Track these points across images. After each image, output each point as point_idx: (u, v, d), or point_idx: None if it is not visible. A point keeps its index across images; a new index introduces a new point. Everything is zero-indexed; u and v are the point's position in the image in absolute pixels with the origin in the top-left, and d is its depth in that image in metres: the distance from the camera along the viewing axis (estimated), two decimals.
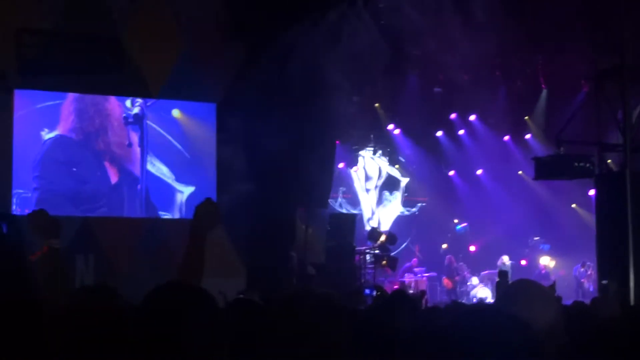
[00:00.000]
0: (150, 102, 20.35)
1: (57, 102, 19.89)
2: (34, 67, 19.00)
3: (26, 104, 19.54)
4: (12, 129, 19.19)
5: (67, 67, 19.29)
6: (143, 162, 20.37)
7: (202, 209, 4.81)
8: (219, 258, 20.19)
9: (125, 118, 20.23)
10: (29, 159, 19.46)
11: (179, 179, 20.66)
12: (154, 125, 20.46)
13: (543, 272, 25.77)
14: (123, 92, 20.17)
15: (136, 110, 20.26)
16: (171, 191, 20.64)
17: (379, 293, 18.03)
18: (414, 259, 25.99)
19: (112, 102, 20.34)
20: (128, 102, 20.28)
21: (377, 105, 24.62)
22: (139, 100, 20.31)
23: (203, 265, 4.76)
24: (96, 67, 19.51)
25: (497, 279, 20.42)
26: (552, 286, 13.11)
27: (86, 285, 3.76)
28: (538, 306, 3.57)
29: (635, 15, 16.84)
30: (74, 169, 19.89)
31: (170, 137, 20.55)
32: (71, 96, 19.93)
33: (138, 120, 20.28)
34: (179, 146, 20.61)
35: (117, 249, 19.83)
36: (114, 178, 20.15)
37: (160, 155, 20.52)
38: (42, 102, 19.76)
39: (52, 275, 4.96)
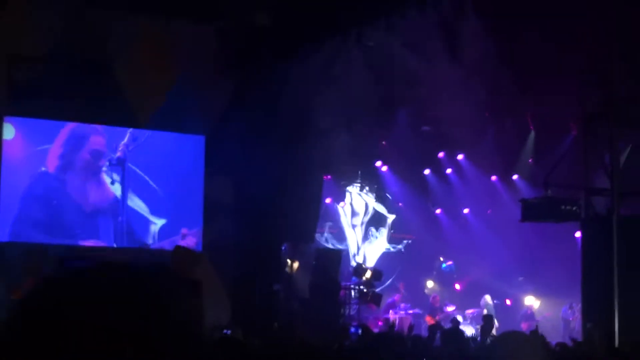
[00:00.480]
0: (132, 145, 20.53)
1: (46, 147, 19.99)
2: (26, 94, 18.99)
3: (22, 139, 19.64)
4: (0, 155, 19.20)
5: (59, 94, 19.28)
6: (124, 198, 20.51)
7: (177, 257, 4.83)
8: (206, 289, 20.16)
9: (109, 161, 20.35)
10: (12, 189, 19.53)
11: (154, 213, 20.85)
12: (134, 168, 20.62)
13: (529, 312, 25.76)
14: (113, 120, 20.20)
15: (119, 154, 20.42)
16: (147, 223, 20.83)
17: (364, 331, 18.03)
18: (397, 295, 25.98)
19: (99, 141, 20.47)
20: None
21: (364, 142, 24.66)
22: (122, 144, 20.47)
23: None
24: (87, 95, 19.52)
25: (481, 323, 20.37)
26: (536, 330, 13.14)
27: None
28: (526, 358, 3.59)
29: (624, 54, 16.96)
30: (54, 202, 19.97)
31: (148, 178, 20.73)
32: (62, 135, 20.07)
33: (120, 163, 20.45)
34: (154, 186, 20.76)
35: None
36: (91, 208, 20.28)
37: (139, 192, 20.72)
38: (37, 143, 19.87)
39: None
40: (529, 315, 25.37)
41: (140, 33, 20.18)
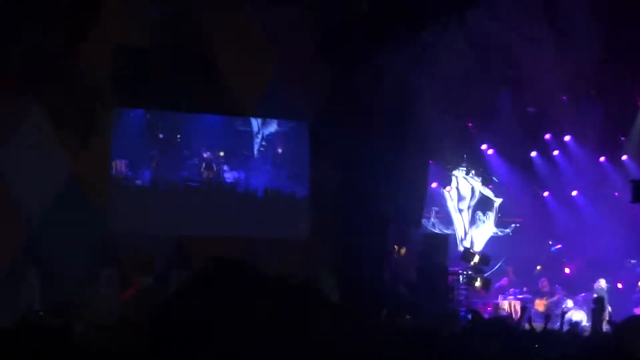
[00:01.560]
0: None
1: None
2: (131, 85, 19.22)
3: None
4: (109, 147, 19.50)
5: (163, 85, 19.49)
6: None
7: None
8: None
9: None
10: None
11: None
12: None
13: None
14: (217, 110, 20.33)
15: None
16: None
17: (474, 316, 17.86)
18: (504, 279, 25.72)
19: None
20: None
21: (470, 124, 24.42)
22: None
23: None
24: (192, 86, 19.67)
25: (593, 306, 20.00)
26: None
27: None
28: None
29: None
30: None
31: None
32: None
33: None
34: None
35: None
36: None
37: None
38: None
39: None
40: None
41: (240, 21, 20.27)
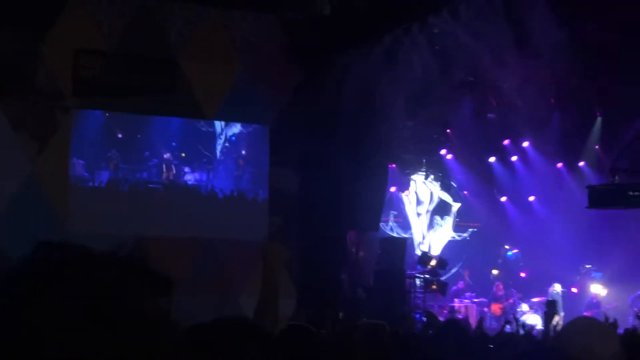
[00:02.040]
0: None
1: None
2: (91, 88, 19.26)
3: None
4: (69, 149, 19.45)
5: (123, 88, 19.53)
6: None
7: (270, 249, 5.02)
8: None
9: None
10: None
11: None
12: None
13: (594, 300, 25.53)
14: (178, 113, 20.36)
15: None
16: None
17: (429, 319, 18.01)
18: (461, 282, 25.93)
19: None
20: None
21: (429, 130, 24.58)
22: None
23: (277, 300, 4.98)
24: (152, 89, 19.73)
25: (545, 309, 20.20)
26: (614, 323, 12.89)
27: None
28: (599, 344, 3.56)
29: None
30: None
31: None
32: None
33: None
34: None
35: (170, 268, 19.95)
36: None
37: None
38: None
39: None
40: (594, 304, 25.13)
41: (203, 25, 20.34)
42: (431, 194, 26.21)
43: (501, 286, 25.62)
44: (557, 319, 23.80)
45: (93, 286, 1.70)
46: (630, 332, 11.15)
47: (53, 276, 1.70)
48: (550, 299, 22.49)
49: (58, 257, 1.75)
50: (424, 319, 19.10)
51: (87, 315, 1.65)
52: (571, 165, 25.99)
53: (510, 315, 23.79)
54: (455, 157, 25.78)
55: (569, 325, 4.05)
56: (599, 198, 18.56)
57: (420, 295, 23.35)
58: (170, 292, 1.91)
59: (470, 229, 26.95)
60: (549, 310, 19.13)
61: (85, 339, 1.65)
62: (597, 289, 26.38)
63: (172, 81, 19.95)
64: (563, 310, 24.59)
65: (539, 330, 20.09)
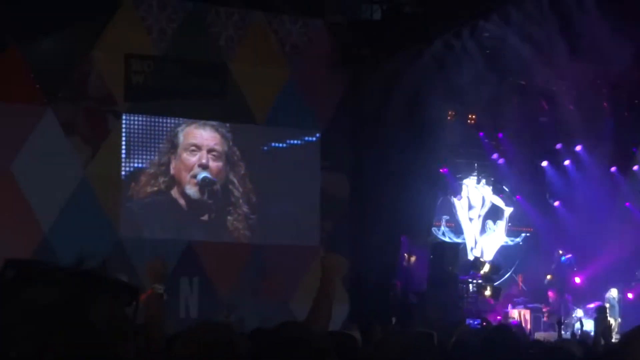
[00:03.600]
0: None
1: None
2: (141, 92, 19.42)
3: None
4: (121, 152, 19.60)
5: (174, 93, 19.68)
6: None
7: (330, 262, 5.00)
8: None
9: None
10: None
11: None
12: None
13: None
14: (228, 118, 20.43)
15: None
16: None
17: (483, 324, 17.92)
18: (514, 288, 25.76)
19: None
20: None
21: (481, 134, 24.43)
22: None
23: (330, 313, 5.00)
24: (202, 93, 19.85)
25: (595, 315, 19.95)
26: None
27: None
28: None
29: None
30: None
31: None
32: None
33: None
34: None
35: (221, 272, 20.04)
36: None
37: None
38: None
39: (152, 319, 5.08)
40: None
41: (252, 29, 20.41)
42: (483, 198, 26.04)
43: (551, 293, 25.36)
44: (613, 324, 23.56)
45: (53, 300, 1.71)
46: None
47: (10, 294, 1.72)
48: (600, 305, 22.25)
49: (22, 274, 1.76)
50: (478, 324, 18.99)
51: (46, 329, 1.66)
52: (625, 169, 25.71)
53: (566, 321, 23.59)
54: (507, 161, 25.58)
55: (630, 333, 3.92)
56: None
57: (473, 301, 23.22)
58: (135, 301, 1.91)
59: (523, 234, 26.74)
60: (599, 316, 18.90)
61: (48, 350, 1.66)
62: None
63: (222, 86, 20.05)
64: (620, 317, 24.33)
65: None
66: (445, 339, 11.19)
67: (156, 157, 19.98)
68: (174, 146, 20.08)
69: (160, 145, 20.00)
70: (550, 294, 25.30)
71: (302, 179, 20.89)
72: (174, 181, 20.09)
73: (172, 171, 20.05)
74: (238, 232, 20.49)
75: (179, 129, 20.14)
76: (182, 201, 20.10)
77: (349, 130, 20.63)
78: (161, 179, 20.05)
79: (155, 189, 19.89)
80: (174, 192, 20.07)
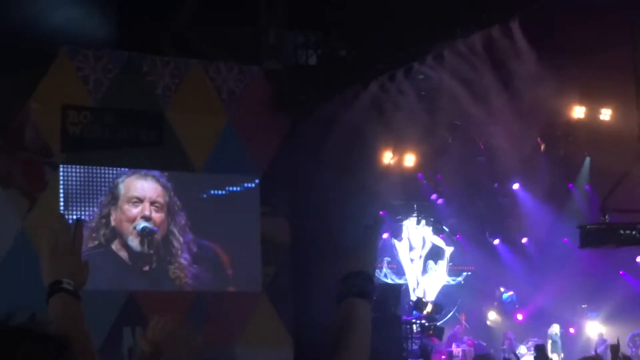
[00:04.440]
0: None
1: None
2: (78, 143, 19.35)
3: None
4: (59, 204, 19.45)
5: (111, 143, 19.64)
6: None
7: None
8: (266, 329, 20.27)
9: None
10: None
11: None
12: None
13: (600, 339, 25.43)
14: (166, 167, 20.39)
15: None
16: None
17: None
18: (457, 327, 25.89)
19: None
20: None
21: (420, 175, 24.61)
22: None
23: None
24: (140, 143, 19.83)
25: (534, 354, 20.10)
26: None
27: None
28: None
29: None
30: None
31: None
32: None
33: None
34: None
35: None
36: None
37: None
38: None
39: None
40: (593, 343, 25.04)
41: (189, 77, 20.46)
42: (423, 238, 26.21)
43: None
44: (557, 359, 23.72)
45: None
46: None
47: None
48: (539, 344, 22.45)
49: None
50: None
51: None
52: (562, 206, 26.01)
53: (508, 357, 23.75)
54: (446, 201, 25.80)
55: None
56: (590, 237, 18.57)
57: (417, 341, 23.28)
58: (66, 354, 1.92)
59: (465, 273, 26.94)
60: (537, 354, 19.04)
61: None
62: (597, 328, 26.32)
63: (159, 134, 20.05)
64: (562, 351, 24.54)
65: None
66: None
67: (97, 210, 19.85)
68: (114, 198, 19.95)
69: (101, 197, 19.87)
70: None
71: (243, 225, 20.86)
72: (115, 233, 19.95)
73: (112, 223, 19.91)
74: (180, 280, 20.40)
75: (119, 180, 20.04)
76: (123, 253, 19.96)
77: (288, 175, 20.66)
78: (102, 231, 19.90)
79: (97, 242, 19.73)
80: (115, 245, 19.93)
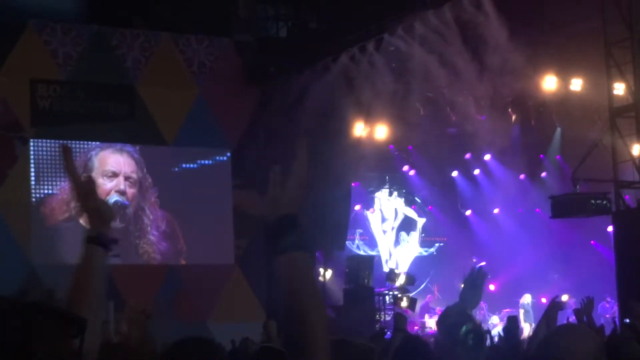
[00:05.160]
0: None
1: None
2: (48, 117, 19.23)
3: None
4: (30, 178, 19.36)
5: (81, 117, 19.52)
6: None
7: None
8: (239, 302, 20.27)
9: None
10: None
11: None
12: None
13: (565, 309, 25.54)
14: (137, 140, 20.31)
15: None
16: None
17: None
18: (430, 297, 25.94)
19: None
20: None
21: (391, 147, 24.58)
22: None
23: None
24: (110, 116, 19.73)
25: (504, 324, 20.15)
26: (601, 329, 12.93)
27: None
28: (581, 347, 3.57)
29: None
30: None
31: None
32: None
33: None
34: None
35: (136, 295, 19.86)
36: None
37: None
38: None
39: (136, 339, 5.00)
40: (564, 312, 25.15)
41: (159, 50, 20.35)
42: (396, 210, 26.22)
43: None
44: (528, 329, 23.84)
45: None
46: (613, 337, 11.16)
47: None
48: (512, 315, 22.53)
49: None
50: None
51: None
52: (534, 177, 26.08)
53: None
54: (418, 173, 25.81)
55: (555, 331, 4.10)
56: (562, 207, 18.67)
57: (390, 313, 23.31)
58: (81, 333, 1.88)
59: (437, 244, 26.98)
60: (508, 324, 19.02)
61: None
62: (566, 298, 26.43)
63: (130, 108, 19.96)
64: (534, 321, 24.62)
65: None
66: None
67: (67, 183, 19.73)
68: (87, 171, 19.84)
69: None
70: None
71: (214, 198, 20.84)
72: None
73: None
74: (148, 255, 20.38)
75: (93, 153, 19.94)
76: None
77: (259, 147, 20.61)
78: (72, 205, 19.80)
79: (67, 215, 19.64)
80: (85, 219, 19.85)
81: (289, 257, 2.62)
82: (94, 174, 19.85)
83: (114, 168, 20.03)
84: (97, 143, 20.03)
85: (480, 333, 2.96)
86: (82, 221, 19.74)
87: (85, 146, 19.97)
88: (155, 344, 5.24)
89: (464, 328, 2.98)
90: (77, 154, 19.92)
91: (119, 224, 19.98)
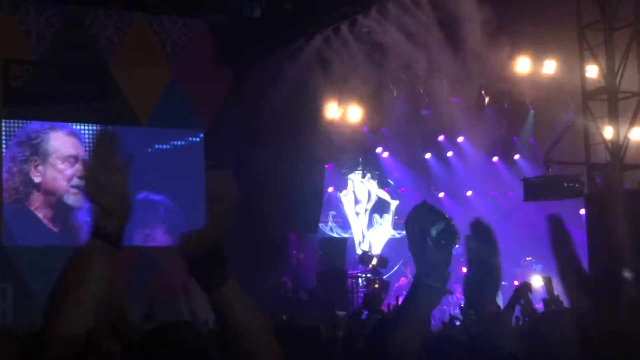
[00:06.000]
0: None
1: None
2: (21, 97, 19.12)
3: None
4: (1, 161, 19.25)
5: (54, 97, 19.41)
6: None
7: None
8: None
9: None
10: None
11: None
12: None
13: (537, 292, 25.66)
14: (110, 121, 20.20)
15: None
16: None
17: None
18: (403, 280, 25.95)
19: None
20: None
21: (365, 128, 24.58)
22: None
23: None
24: (83, 97, 19.63)
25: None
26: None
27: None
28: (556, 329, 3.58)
29: None
30: None
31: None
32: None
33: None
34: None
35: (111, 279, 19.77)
36: None
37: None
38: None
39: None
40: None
41: (132, 31, 20.25)
42: (369, 192, 26.22)
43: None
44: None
45: None
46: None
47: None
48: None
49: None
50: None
51: None
52: (507, 159, 26.13)
53: (455, 311, 23.88)
54: (391, 154, 25.82)
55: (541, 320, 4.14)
56: (534, 190, 18.76)
57: (362, 295, 23.33)
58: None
59: None
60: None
61: None
62: (539, 281, 26.51)
63: (103, 88, 19.86)
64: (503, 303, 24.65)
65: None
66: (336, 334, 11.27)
67: (13, 165, 19.57)
68: (40, 154, 19.68)
69: (17, 153, 19.58)
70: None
71: (187, 179, 20.77)
72: (45, 190, 19.74)
73: (36, 180, 19.65)
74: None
75: (43, 135, 19.75)
76: (47, 210, 19.78)
77: (233, 128, 20.56)
78: (21, 188, 19.75)
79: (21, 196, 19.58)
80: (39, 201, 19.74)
81: (220, 294, 2.63)
82: (52, 159, 19.71)
83: (74, 152, 19.91)
84: (46, 124, 19.87)
85: (453, 231, 2.90)
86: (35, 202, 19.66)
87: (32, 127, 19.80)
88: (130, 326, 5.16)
89: (434, 229, 2.92)
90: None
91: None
